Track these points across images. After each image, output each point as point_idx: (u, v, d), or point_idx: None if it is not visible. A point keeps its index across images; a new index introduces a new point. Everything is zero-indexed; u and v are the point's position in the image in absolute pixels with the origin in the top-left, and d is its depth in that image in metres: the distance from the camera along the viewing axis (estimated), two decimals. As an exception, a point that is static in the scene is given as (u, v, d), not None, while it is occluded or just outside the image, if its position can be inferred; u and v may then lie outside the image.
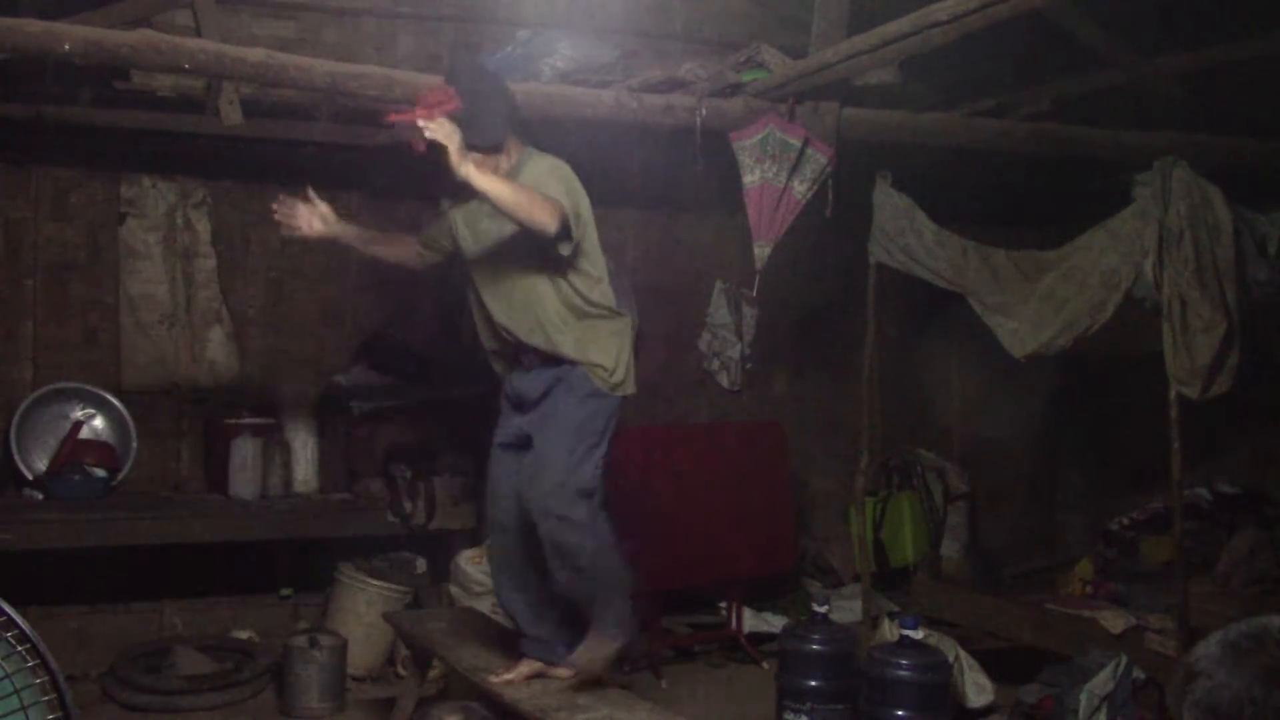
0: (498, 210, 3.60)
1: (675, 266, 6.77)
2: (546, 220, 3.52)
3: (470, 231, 3.92)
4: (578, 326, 3.77)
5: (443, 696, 4.75)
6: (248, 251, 6.09)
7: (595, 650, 3.80)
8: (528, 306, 3.78)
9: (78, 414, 5.72)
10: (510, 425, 3.95)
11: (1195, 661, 1.70)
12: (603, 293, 3.82)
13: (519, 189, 3.57)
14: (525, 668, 3.94)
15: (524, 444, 3.85)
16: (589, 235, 3.79)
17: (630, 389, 3.85)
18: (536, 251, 3.70)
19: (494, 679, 3.92)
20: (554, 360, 3.78)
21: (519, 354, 3.88)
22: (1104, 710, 4.44)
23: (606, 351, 3.78)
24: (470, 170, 3.46)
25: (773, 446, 6.23)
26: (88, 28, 4.13)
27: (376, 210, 6.26)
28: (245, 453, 5.60)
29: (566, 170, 3.78)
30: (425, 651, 4.57)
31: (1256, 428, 6.40)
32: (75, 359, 5.79)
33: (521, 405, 3.89)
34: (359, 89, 4.43)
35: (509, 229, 3.71)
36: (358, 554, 5.71)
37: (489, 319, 3.89)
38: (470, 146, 3.62)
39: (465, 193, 3.70)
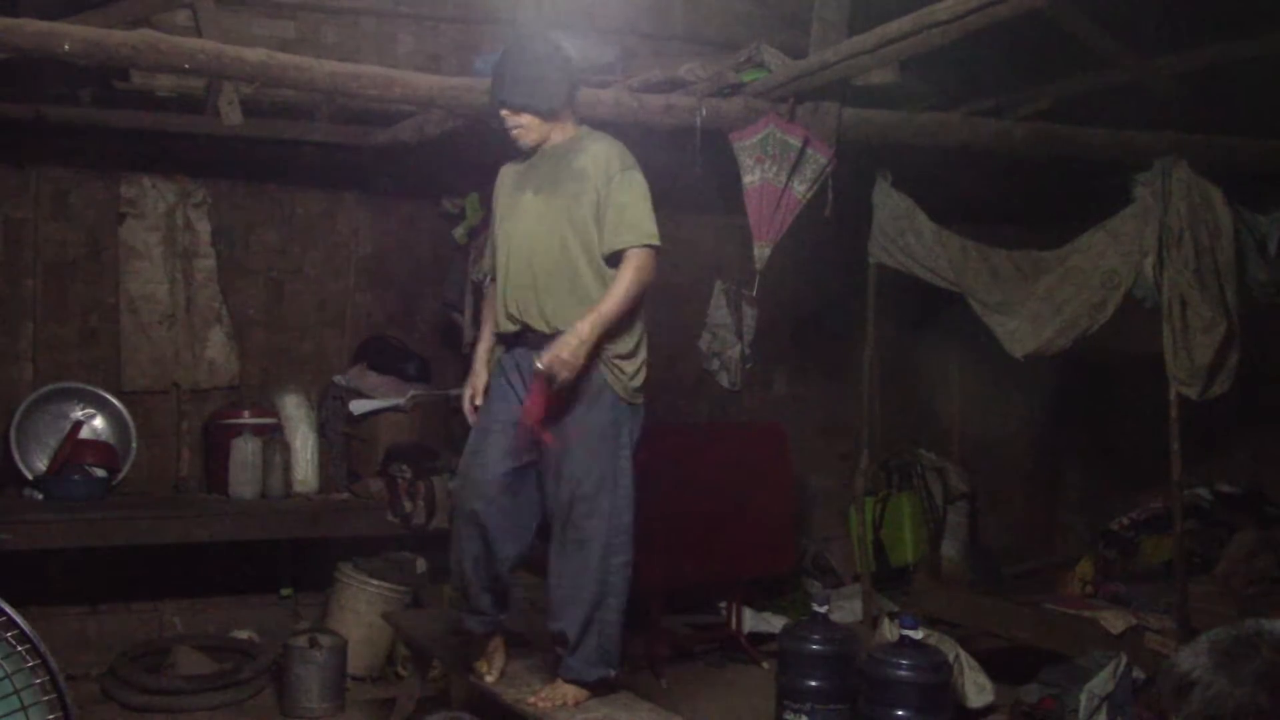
0: (543, 183, 3.71)
1: (675, 266, 6.75)
2: (649, 274, 3.61)
3: (511, 202, 3.83)
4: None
5: (443, 697, 4.75)
6: (248, 251, 6.09)
7: (565, 693, 3.70)
8: (575, 288, 3.65)
9: (78, 414, 5.72)
10: (509, 405, 3.75)
11: (1189, 670, 1.67)
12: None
13: (612, 301, 3.57)
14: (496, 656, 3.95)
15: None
16: None
17: (640, 399, 3.75)
18: (580, 232, 3.64)
19: (489, 678, 3.93)
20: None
21: (526, 332, 3.75)
22: (1104, 710, 4.44)
23: (634, 353, 3.68)
24: (582, 343, 3.52)
25: (773, 446, 6.22)
26: (88, 28, 4.13)
27: (376, 210, 6.28)
28: (245, 453, 5.60)
29: (626, 150, 3.74)
30: (425, 651, 4.57)
31: (1256, 428, 6.40)
32: (75, 359, 5.79)
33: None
34: (359, 89, 4.43)
35: (558, 211, 3.67)
36: (358, 554, 5.71)
37: (504, 296, 3.78)
38: (525, 108, 3.69)
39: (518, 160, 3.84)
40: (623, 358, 3.66)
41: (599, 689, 3.73)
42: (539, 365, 3.53)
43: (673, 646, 5.80)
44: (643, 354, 3.75)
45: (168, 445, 5.94)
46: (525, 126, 3.74)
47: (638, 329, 3.73)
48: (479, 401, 3.87)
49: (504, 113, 3.74)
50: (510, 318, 3.76)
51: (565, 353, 3.52)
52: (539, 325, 3.70)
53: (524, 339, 3.76)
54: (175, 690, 5.15)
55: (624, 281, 3.59)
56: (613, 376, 3.65)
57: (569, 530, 3.66)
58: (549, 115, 3.73)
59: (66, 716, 2.58)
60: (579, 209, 3.65)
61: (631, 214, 3.62)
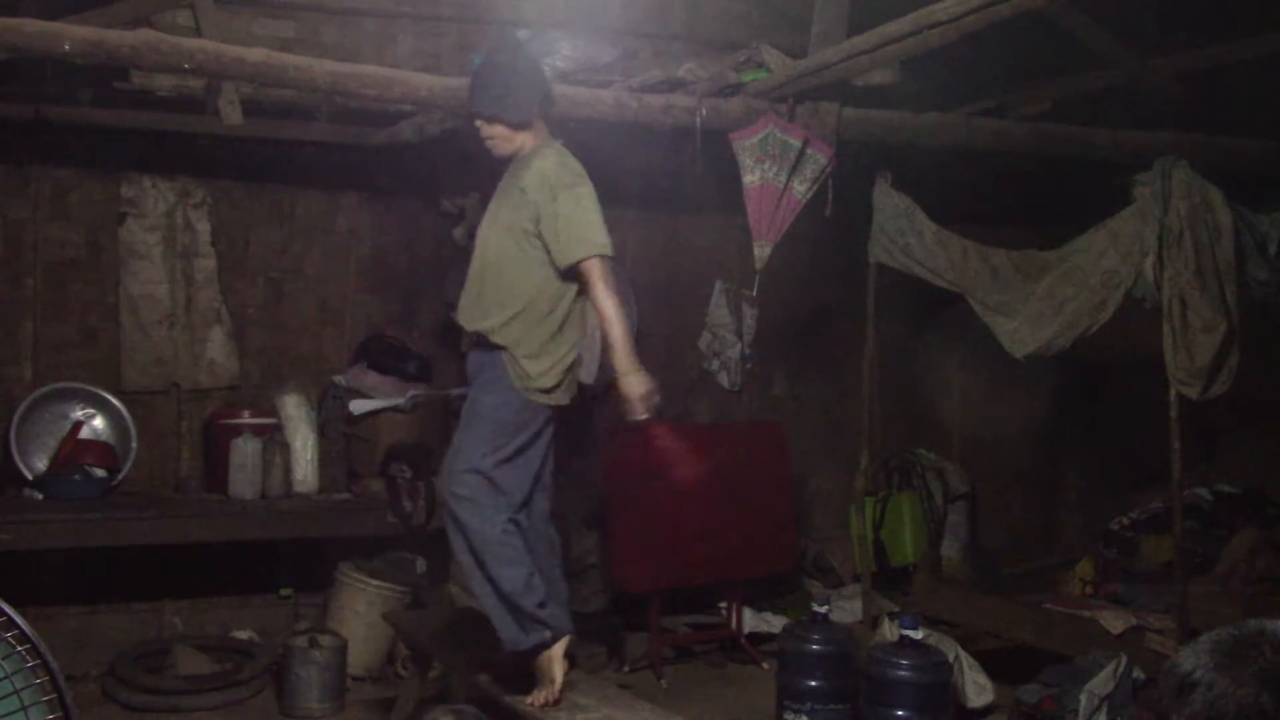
0: (501, 192, 3.82)
1: (675, 266, 6.76)
2: (611, 282, 3.69)
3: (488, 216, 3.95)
4: (528, 319, 3.71)
5: (442, 697, 4.75)
6: (248, 251, 6.09)
7: (547, 677, 3.74)
8: (497, 291, 3.75)
9: (78, 414, 5.71)
10: None
11: (1190, 671, 1.66)
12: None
13: (610, 323, 3.66)
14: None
15: None
16: None
17: (558, 400, 3.75)
18: (510, 239, 3.74)
19: (484, 676, 3.93)
20: (485, 343, 3.77)
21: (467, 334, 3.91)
22: (1104, 710, 4.44)
23: (541, 356, 3.72)
24: (628, 375, 3.65)
25: (773, 446, 6.23)
26: (88, 28, 4.13)
27: (377, 210, 6.28)
28: (245, 453, 5.60)
29: (574, 164, 3.79)
30: (425, 651, 4.57)
31: (1256, 428, 6.40)
32: (75, 359, 5.79)
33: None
34: (359, 89, 4.44)
35: (502, 221, 3.78)
36: (358, 554, 5.71)
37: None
38: (495, 118, 3.77)
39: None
40: (527, 356, 3.71)
41: (537, 652, 3.75)
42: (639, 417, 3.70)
43: (673, 646, 5.81)
44: (558, 359, 3.75)
45: (168, 445, 5.94)
46: (497, 137, 3.82)
47: (550, 331, 3.74)
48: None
49: (478, 122, 3.83)
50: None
51: (630, 393, 3.64)
52: (465, 321, 3.84)
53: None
54: (175, 690, 5.15)
55: (601, 298, 3.67)
56: (512, 368, 3.71)
57: (449, 506, 3.74)
58: (519, 126, 3.80)
59: (66, 716, 2.57)
60: (517, 221, 3.73)
61: (580, 229, 3.67)
